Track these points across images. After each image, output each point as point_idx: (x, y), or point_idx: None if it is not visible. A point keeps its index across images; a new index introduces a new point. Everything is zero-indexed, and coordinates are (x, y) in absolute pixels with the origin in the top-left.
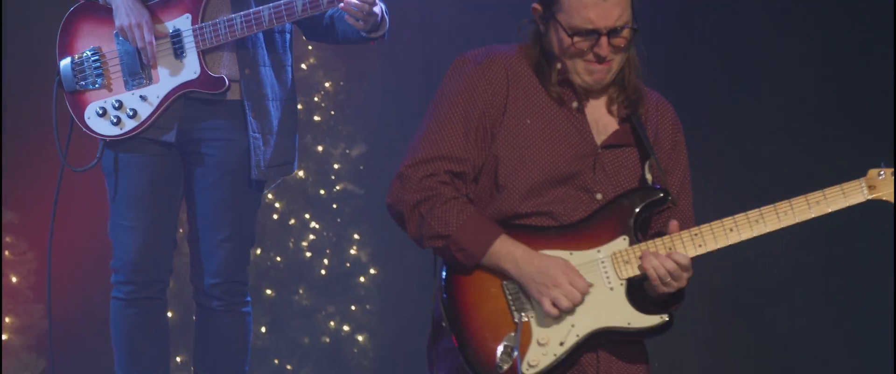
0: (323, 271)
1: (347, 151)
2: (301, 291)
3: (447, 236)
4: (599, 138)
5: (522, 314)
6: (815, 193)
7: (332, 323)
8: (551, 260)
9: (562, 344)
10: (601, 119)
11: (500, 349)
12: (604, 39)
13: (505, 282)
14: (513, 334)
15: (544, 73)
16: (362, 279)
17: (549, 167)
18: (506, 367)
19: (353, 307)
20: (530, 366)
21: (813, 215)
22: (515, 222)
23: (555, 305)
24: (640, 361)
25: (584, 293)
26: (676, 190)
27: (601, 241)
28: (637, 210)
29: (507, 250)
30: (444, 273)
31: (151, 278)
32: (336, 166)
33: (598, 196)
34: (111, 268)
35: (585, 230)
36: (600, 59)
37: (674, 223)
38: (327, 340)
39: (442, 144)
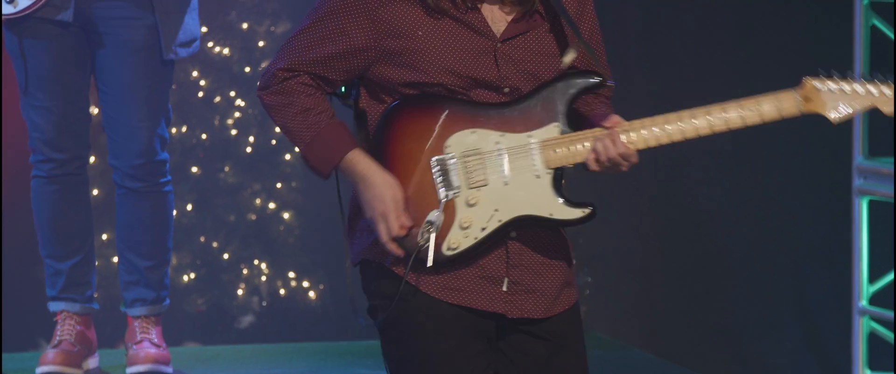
0: (248, 149)
1: (272, 29)
2: (227, 168)
3: (300, 149)
4: (498, 31)
5: (448, 192)
6: (748, 99)
7: (257, 201)
8: (382, 191)
9: (484, 229)
10: (499, 11)
11: (422, 227)
12: None
13: (434, 158)
14: (436, 211)
15: None
16: (288, 157)
17: (449, 74)
18: (425, 246)
19: (278, 185)
20: (450, 248)
21: (744, 125)
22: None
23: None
24: (558, 256)
25: (405, 230)
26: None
27: (532, 125)
28: (571, 93)
29: (350, 168)
30: (380, 131)
31: (70, 155)
32: (261, 44)
33: (505, 90)
34: (29, 148)
35: (516, 113)
36: None
37: (614, 119)
38: (253, 217)
39: (314, 54)
